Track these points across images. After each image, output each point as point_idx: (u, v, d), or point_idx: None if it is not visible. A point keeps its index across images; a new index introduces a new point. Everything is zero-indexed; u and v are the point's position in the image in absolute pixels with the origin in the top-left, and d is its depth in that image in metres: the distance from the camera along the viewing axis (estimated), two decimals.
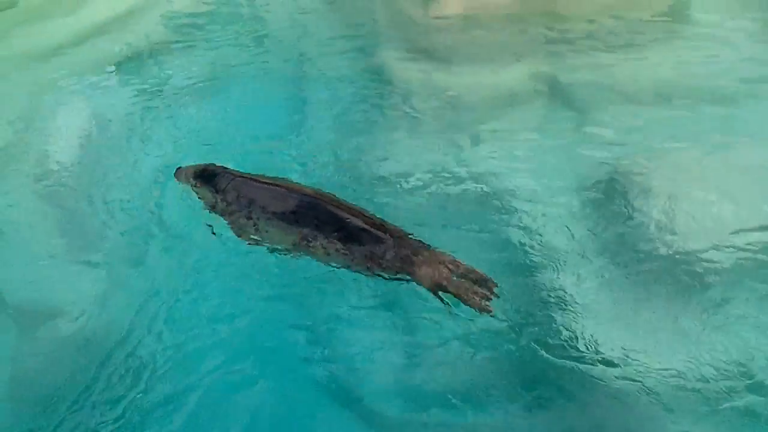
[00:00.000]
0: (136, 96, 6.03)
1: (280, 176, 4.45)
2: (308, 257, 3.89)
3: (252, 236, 4.10)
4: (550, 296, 3.89)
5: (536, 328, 3.73)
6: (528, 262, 4.10)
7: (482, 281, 3.28)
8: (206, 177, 4.41)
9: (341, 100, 5.54)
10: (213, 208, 4.37)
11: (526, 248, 4.15)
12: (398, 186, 4.62)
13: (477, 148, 4.91)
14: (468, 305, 3.20)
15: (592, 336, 3.71)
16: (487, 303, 3.19)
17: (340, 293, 3.92)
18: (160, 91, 6.15)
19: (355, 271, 3.63)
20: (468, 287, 3.25)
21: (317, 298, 3.97)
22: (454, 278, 3.26)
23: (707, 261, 4.11)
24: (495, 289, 3.28)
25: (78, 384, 3.82)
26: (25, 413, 3.75)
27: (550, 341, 3.66)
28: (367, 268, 3.49)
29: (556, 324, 3.75)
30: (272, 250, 4.08)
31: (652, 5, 6.89)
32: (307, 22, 6.87)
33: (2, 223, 4.84)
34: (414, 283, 3.53)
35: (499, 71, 5.74)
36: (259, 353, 3.84)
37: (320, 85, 5.75)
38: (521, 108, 5.33)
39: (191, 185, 4.53)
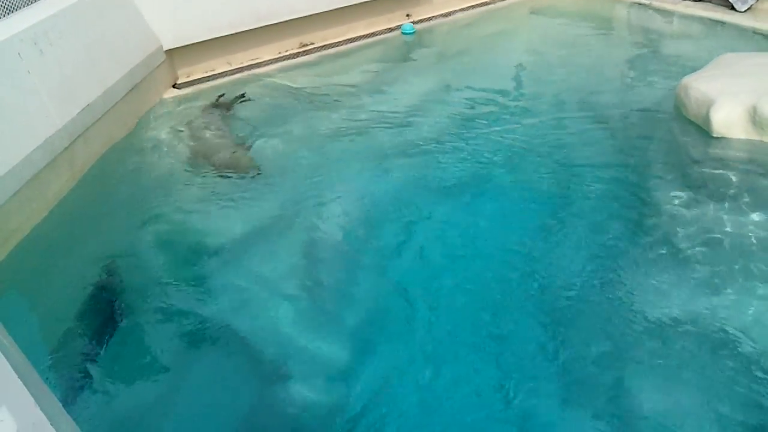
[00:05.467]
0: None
1: None
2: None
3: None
4: None
5: None
6: None
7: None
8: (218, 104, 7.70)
9: (599, 224, 5.20)
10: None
11: None
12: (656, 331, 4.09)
13: (741, 299, 4.24)
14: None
15: None
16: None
17: None
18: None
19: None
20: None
21: None
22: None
23: None
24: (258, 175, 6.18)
25: None
26: None
27: None
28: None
29: None
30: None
31: None
32: (574, 141, 6.59)
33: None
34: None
35: None
36: None
37: (582, 206, 5.47)
38: None
39: (213, 104, 7.72)
